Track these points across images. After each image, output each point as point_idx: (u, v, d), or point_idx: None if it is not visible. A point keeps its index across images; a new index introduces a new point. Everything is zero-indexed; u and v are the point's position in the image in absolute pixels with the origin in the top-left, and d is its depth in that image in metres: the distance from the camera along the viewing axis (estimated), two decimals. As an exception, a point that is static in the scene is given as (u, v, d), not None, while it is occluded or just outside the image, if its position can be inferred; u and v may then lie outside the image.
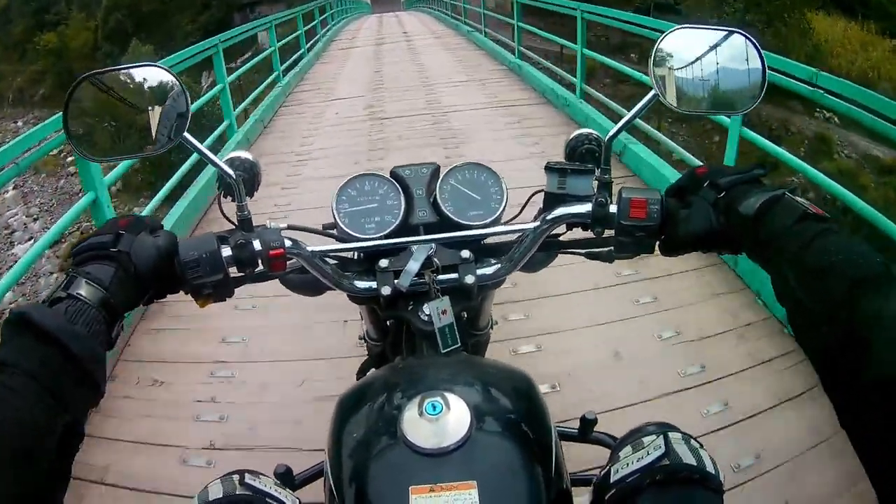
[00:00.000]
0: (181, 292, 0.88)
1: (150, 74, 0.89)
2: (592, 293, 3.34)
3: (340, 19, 20.27)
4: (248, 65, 8.24)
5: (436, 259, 0.99)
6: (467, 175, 1.11)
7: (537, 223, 0.99)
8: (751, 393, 2.61)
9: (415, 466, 0.70)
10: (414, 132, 6.68)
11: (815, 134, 17.10)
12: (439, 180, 1.10)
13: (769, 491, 2.21)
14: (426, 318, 0.97)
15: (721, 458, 0.71)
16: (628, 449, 0.75)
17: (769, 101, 15.24)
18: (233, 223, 0.95)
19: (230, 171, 0.91)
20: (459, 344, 0.96)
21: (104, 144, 0.90)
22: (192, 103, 0.89)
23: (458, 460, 0.69)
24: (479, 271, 1.00)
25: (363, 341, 1.45)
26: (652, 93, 0.90)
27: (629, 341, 2.98)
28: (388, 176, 1.11)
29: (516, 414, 0.80)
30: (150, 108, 0.88)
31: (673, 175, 4.66)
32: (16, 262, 2.72)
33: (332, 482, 0.75)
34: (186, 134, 0.87)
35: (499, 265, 1.02)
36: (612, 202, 0.94)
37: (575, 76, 7.06)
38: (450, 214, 1.06)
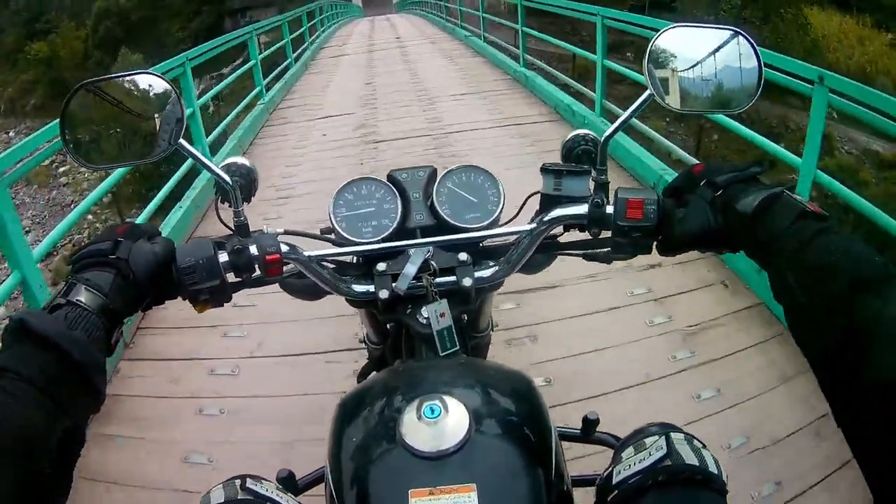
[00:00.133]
0: (179, 298, 0.89)
1: (146, 82, 0.90)
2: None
3: (331, 24, 19.76)
4: (220, 86, 7.42)
5: (433, 262, 1.00)
6: (464, 178, 1.11)
7: (534, 225, 1.00)
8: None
9: (414, 470, 0.70)
10: (413, 158, 5.68)
11: (816, 130, 17.14)
12: (436, 183, 1.11)
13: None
14: (424, 322, 0.98)
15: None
16: (630, 450, 0.75)
17: (766, 97, 15.25)
18: (230, 228, 0.96)
19: (226, 177, 0.92)
20: (458, 347, 0.97)
21: (101, 152, 0.92)
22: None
23: (458, 463, 0.70)
24: (477, 274, 1.01)
25: (363, 344, 1.46)
26: (647, 92, 0.90)
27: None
28: (384, 180, 1.12)
29: (515, 416, 0.81)
30: (145, 115, 0.90)
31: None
32: (8, 275, 2.69)
33: (332, 486, 0.76)
34: (182, 141, 0.88)
35: (496, 267, 1.02)
36: (608, 203, 0.95)
37: (583, 85, 6.75)
38: (447, 217, 1.07)
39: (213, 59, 6.39)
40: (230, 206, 0.95)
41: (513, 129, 6.35)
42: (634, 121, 4.83)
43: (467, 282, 0.99)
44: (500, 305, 3.14)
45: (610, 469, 0.74)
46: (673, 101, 0.91)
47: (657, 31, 0.92)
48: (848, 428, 0.60)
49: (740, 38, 0.90)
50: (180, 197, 4.62)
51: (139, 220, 3.59)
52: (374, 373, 1.29)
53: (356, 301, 1.04)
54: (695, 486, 0.68)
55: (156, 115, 0.89)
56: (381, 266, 1.00)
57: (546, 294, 3.29)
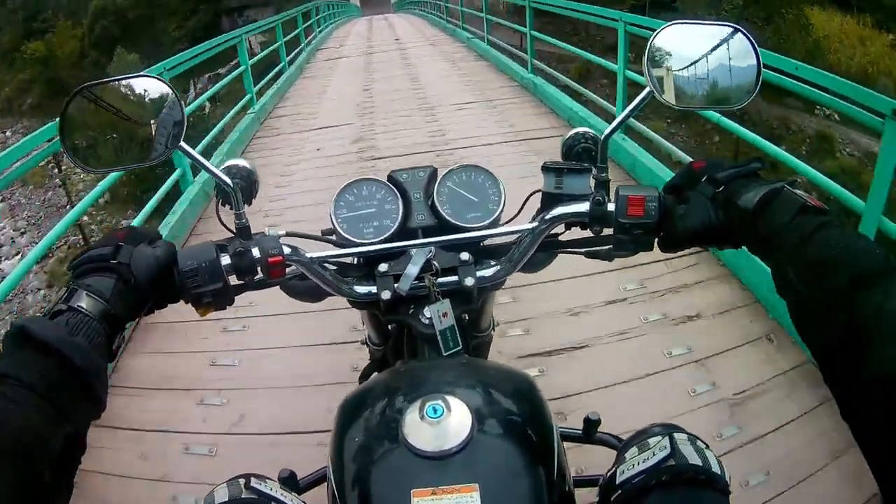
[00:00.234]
0: (181, 301, 0.89)
1: (146, 85, 0.90)
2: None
3: (328, 24, 19.41)
4: (202, 98, 7.32)
5: (435, 262, 1.00)
6: (465, 177, 1.12)
7: (535, 224, 1.00)
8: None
9: (416, 469, 0.71)
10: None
11: (816, 132, 17.15)
12: (437, 183, 1.11)
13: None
14: (427, 322, 0.99)
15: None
16: (634, 450, 0.76)
17: (764, 98, 15.28)
18: (231, 231, 0.96)
19: (227, 180, 0.93)
20: (461, 346, 0.98)
21: (101, 155, 0.92)
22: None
23: (460, 463, 0.70)
24: (479, 273, 1.01)
25: (365, 345, 1.46)
26: (647, 90, 0.91)
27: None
28: (385, 180, 1.13)
29: (517, 416, 0.82)
30: (146, 118, 0.90)
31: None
32: (2, 278, 2.68)
33: (334, 486, 0.77)
34: (182, 143, 0.89)
35: (498, 267, 1.03)
36: (609, 200, 0.95)
37: (584, 86, 6.51)
38: (448, 217, 1.07)
39: (210, 59, 6.38)
40: (231, 209, 0.95)
41: (524, 144, 5.70)
42: (635, 122, 4.92)
43: (469, 281, 1.00)
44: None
45: (613, 469, 0.75)
46: (672, 97, 0.91)
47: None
48: (853, 422, 0.60)
49: (739, 34, 0.91)
50: (176, 200, 4.63)
51: (135, 223, 3.60)
52: (375, 373, 1.30)
53: (358, 302, 1.05)
54: (698, 487, 0.69)
55: (155, 118, 0.89)
56: (383, 267, 1.01)
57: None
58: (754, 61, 0.90)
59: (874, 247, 0.68)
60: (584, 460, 1.74)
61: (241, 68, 7.53)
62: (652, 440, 0.75)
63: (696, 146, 15.70)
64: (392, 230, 1.06)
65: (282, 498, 0.73)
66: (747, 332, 2.95)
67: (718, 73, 0.91)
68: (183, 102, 0.91)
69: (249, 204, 1.03)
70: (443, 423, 0.73)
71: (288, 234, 1.01)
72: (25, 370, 0.63)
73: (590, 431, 1.08)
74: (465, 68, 10.24)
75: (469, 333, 1.19)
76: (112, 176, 3.63)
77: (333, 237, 1.10)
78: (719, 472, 0.70)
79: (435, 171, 1.15)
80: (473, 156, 5.37)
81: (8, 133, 27.58)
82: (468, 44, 12.39)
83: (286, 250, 0.92)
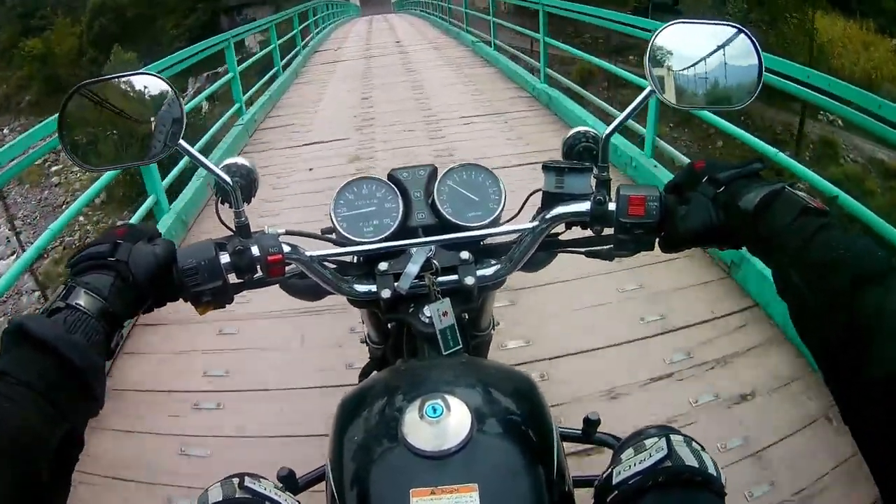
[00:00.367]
0: (180, 300, 0.90)
1: (145, 82, 0.91)
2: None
3: (327, 24, 18.98)
4: (199, 97, 7.23)
5: (435, 261, 1.01)
6: (465, 176, 1.12)
7: (536, 223, 1.01)
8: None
9: (415, 469, 0.71)
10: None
11: (820, 138, 17.16)
12: (437, 182, 1.12)
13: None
14: (427, 321, 0.99)
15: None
16: (630, 451, 0.76)
17: (770, 103, 15.30)
18: (230, 229, 0.96)
19: (227, 178, 0.93)
20: (461, 345, 0.98)
21: (100, 153, 0.92)
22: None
23: (459, 463, 0.71)
24: (479, 272, 1.02)
25: (365, 344, 1.47)
26: (648, 89, 0.92)
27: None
28: (385, 179, 1.13)
29: (517, 415, 0.82)
30: (145, 116, 0.90)
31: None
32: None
33: (333, 485, 0.77)
34: (182, 141, 0.89)
35: (498, 266, 1.03)
36: (610, 200, 0.96)
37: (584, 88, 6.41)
38: (448, 216, 1.08)
39: (208, 57, 6.35)
40: (230, 207, 0.96)
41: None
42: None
43: (469, 280, 1.00)
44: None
45: (609, 470, 0.76)
46: (673, 97, 0.92)
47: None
48: (853, 422, 0.61)
49: (741, 34, 0.91)
50: (172, 199, 4.62)
51: (133, 220, 3.60)
52: (374, 372, 1.31)
53: (358, 301, 1.05)
54: (694, 488, 0.70)
55: (154, 116, 0.90)
56: (383, 265, 1.01)
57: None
58: (756, 61, 0.90)
59: (876, 248, 0.68)
60: (584, 460, 1.74)
61: (230, 75, 7.12)
62: (648, 441, 0.76)
63: (699, 150, 15.71)
64: (392, 229, 1.07)
65: (276, 497, 0.74)
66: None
67: (720, 73, 0.91)
68: (182, 100, 0.91)
69: (249, 202, 1.03)
70: (442, 422, 0.73)
71: (288, 233, 1.01)
72: (23, 368, 0.63)
73: (589, 432, 1.08)
74: (471, 75, 9.58)
75: (469, 333, 1.19)
76: (108, 175, 3.64)
77: (333, 236, 1.11)
78: (715, 474, 0.70)
79: (435, 170, 1.15)
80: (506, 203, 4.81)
81: (6, 130, 27.61)
82: (473, 48, 11.86)
83: (286, 249, 0.93)
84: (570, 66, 15.90)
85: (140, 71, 0.94)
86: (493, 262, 1.04)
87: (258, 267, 0.91)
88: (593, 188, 1.00)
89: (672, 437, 0.75)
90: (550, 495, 0.73)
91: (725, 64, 0.91)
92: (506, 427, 0.79)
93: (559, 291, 3.25)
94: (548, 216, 1.00)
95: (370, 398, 0.88)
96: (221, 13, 33.12)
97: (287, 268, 0.94)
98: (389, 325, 1.14)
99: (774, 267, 0.76)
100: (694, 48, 0.91)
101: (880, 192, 14.96)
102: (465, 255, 1.02)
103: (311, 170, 5.70)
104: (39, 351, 0.65)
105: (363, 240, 1.06)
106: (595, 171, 1.00)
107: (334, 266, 1.07)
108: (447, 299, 0.99)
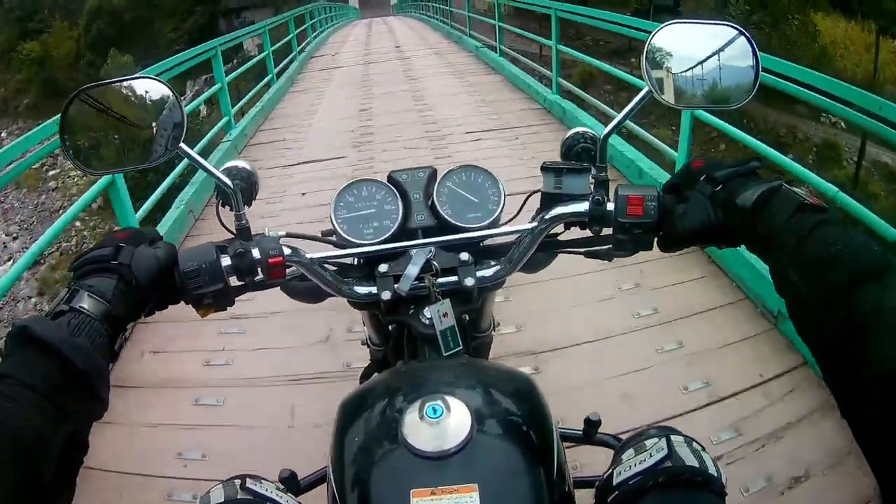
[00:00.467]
0: (181, 303, 0.90)
1: (145, 86, 0.92)
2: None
3: (325, 28, 18.63)
4: (193, 104, 6.42)
5: (435, 262, 1.02)
6: (464, 178, 1.13)
7: (535, 223, 1.02)
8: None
9: (416, 470, 0.72)
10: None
11: (823, 140, 17.17)
12: (436, 184, 1.13)
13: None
14: (427, 322, 1.00)
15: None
16: (631, 451, 0.77)
17: (773, 105, 15.31)
18: (231, 232, 0.97)
19: (227, 181, 0.94)
20: (461, 346, 0.99)
21: (101, 157, 0.93)
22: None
23: (459, 463, 0.72)
24: (479, 273, 1.03)
25: (365, 346, 1.48)
26: (646, 89, 0.93)
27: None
28: (385, 181, 1.14)
29: (517, 416, 0.83)
30: (146, 119, 0.91)
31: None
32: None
33: (334, 486, 0.78)
34: (182, 144, 0.90)
35: (498, 267, 1.04)
36: (608, 200, 0.97)
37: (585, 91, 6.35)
38: (448, 217, 1.09)
39: (205, 61, 6.30)
40: (231, 210, 0.97)
41: None
42: (640, 130, 4.87)
43: (469, 281, 1.01)
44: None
45: (610, 470, 0.76)
46: (671, 97, 0.93)
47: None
48: (852, 420, 0.61)
49: (737, 34, 0.92)
50: (169, 204, 4.63)
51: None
52: (375, 374, 1.32)
53: (358, 303, 1.06)
54: (694, 488, 0.70)
55: (155, 119, 0.91)
56: (383, 267, 1.02)
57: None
58: (752, 60, 0.91)
59: (873, 244, 0.69)
60: (585, 461, 1.74)
61: (217, 86, 6.59)
62: (649, 442, 0.77)
63: (703, 154, 15.72)
64: (392, 231, 1.07)
65: (277, 499, 0.74)
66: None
67: (717, 73, 0.92)
68: (182, 104, 0.92)
69: (249, 205, 1.04)
70: (442, 423, 0.74)
71: (288, 235, 1.02)
72: (27, 370, 0.64)
73: (590, 432, 1.09)
74: (475, 84, 9.03)
75: (469, 334, 1.20)
76: (104, 181, 3.62)
77: (333, 238, 1.12)
78: (716, 474, 0.71)
79: (435, 172, 1.16)
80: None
81: (3, 134, 27.68)
82: (477, 54, 11.38)
83: (286, 251, 0.93)
84: (570, 68, 15.89)
85: (140, 75, 0.95)
86: (492, 263, 1.05)
87: (259, 269, 0.92)
88: (592, 189, 1.01)
89: (672, 437, 0.76)
90: (550, 495, 0.74)
91: (722, 63, 0.92)
92: (506, 427, 0.80)
93: (590, 353, 2.93)
94: (547, 217, 1.01)
95: (371, 399, 0.88)
96: (220, 16, 33.18)
97: (287, 270, 0.95)
98: (390, 327, 1.15)
99: (772, 264, 0.77)
100: (691, 48, 0.92)
101: (884, 195, 14.97)
102: (464, 256, 1.03)
103: (303, 195, 5.12)
104: (43, 353, 0.66)
105: (363, 242, 1.06)
106: (593, 171, 1.01)
107: (335, 268, 1.07)
108: (447, 300, 1.00)
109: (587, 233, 1.02)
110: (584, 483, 0.87)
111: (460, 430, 0.73)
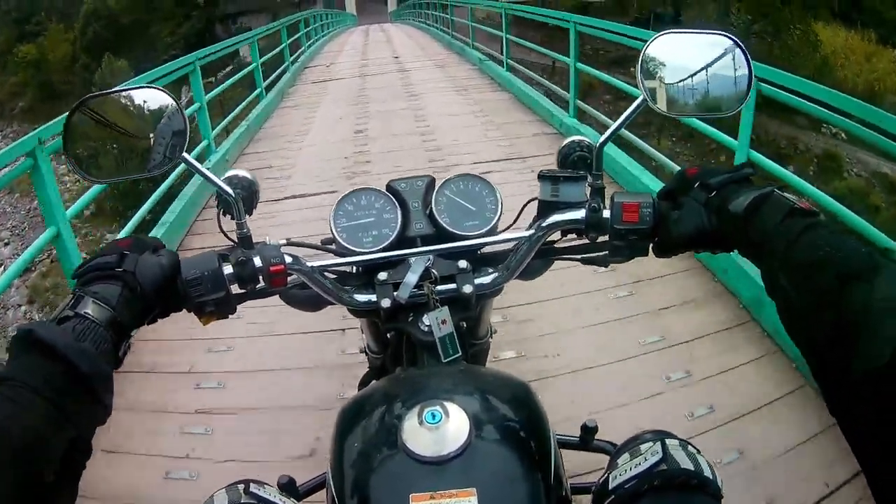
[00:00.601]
0: (184, 310, 0.92)
1: (148, 96, 0.93)
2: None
3: (321, 36, 18.02)
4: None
5: (434, 270, 1.04)
6: (462, 186, 1.15)
7: (532, 231, 1.04)
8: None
9: (415, 474, 0.73)
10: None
11: (824, 151, 17.21)
12: (434, 192, 1.15)
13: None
14: (426, 329, 1.02)
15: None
16: (626, 456, 0.79)
17: (773, 116, 15.35)
18: (232, 240, 0.99)
19: (229, 190, 0.96)
20: (460, 353, 1.01)
21: (104, 166, 0.94)
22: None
23: (458, 468, 0.73)
24: (477, 280, 1.04)
25: (364, 353, 1.49)
26: (640, 98, 0.95)
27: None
28: (384, 190, 1.16)
29: (515, 422, 0.85)
30: (148, 129, 0.93)
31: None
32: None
33: (334, 491, 0.79)
34: (185, 154, 0.92)
35: (496, 274, 1.06)
36: (605, 207, 1.00)
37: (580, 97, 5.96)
38: (446, 226, 1.10)
39: (203, 66, 6.15)
40: (232, 218, 0.99)
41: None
42: (639, 141, 4.85)
43: (468, 289, 1.03)
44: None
45: (606, 474, 0.78)
46: (665, 105, 0.95)
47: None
48: (842, 419, 0.63)
49: (731, 43, 0.95)
50: (161, 213, 4.63)
51: (121, 235, 3.61)
52: (373, 381, 1.33)
53: (358, 310, 1.08)
54: (690, 491, 0.72)
55: (158, 128, 0.92)
56: (383, 275, 1.04)
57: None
58: (746, 69, 0.94)
59: (861, 246, 0.70)
60: (582, 467, 1.76)
61: (196, 106, 5.92)
62: (644, 446, 0.78)
63: (703, 165, 15.77)
64: (391, 239, 1.09)
65: None
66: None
67: (710, 81, 0.95)
68: (185, 113, 0.94)
69: (250, 214, 1.06)
70: (441, 428, 0.75)
71: (289, 244, 1.04)
72: (31, 374, 0.65)
73: (587, 438, 1.11)
74: (481, 103, 8.30)
75: (467, 341, 1.22)
76: (97, 187, 3.63)
77: (333, 246, 1.13)
78: (711, 477, 0.72)
79: (433, 181, 1.18)
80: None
81: (-1, 136, 27.61)
82: (481, 67, 10.64)
83: (287, 259, 0.95)
84: (565, 77, 15.90)
85: (143, 84, 0.97)
86: (490, 270, 1.07)
87: (260, 277, 0.94)
88: (588, 196, 1.03)
89: (667, 441, 0.77)
90: (548, 500, 0.75)
91: (716, 73, 0.94)
92: (504, 433, 0.82)
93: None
94: (544, 224, 1.03)
95: (370, 406, 0.90)
96: (217, 21, 33.20)
97: (288, 278, 0.97)
98: (388, 335, 1.16)
99: (764, 268, 0.79)
100: (685, 57, 0.95)
101: (885, 206, 14.99)
102: (462, 263, 1.05)
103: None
104: (48, 357, 0.66)
105: (363, 250, 1.08)
106: (589, 179, 1.04)
107: (334, 276, 1.09)
108: (446, 308, 1.02)
109: (583, 239, 1.05)
110: (581, 489, 0.89)
111: (459, 435, 0.75)
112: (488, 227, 1.11)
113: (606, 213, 0.98)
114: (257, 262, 0.93)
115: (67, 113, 0.90)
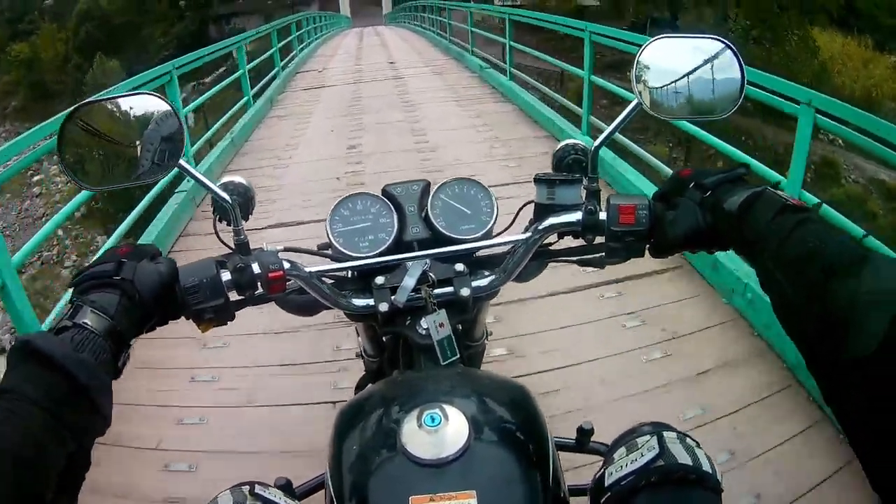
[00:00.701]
0: (182, 318, 0.92)
1: (145, 102, 0.92)
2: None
3: (315, 38, 17.81)
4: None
5: (431, 274, 1.05)
6: (457, 190, 1.16)
7: (529, 234, 1.06)
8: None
9: (414, 477, 0.74)
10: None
11: (821, 158, 17.26)
12: (430, 196, 1.15)
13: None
14: (424, 332, 1.02)
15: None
16: (622, 450, 0.79)
17: (771, 122, 15.41)
18: (228, 247, 0.99)
19: (226, 196, 0.96)
20: (458, 355, 1.02)
21: (100, 173, 0.94)
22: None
23: (458, 470, 0.74)
24: (474, 283, 1.05)
25: (360, 358, 1.50)
26: (635, 102, 0.97)
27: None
28: (379, 194, 1.16)
29: (514, 425, 0.85)
30: (144, 135, 0.92)
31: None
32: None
33: (332, 493, 0.80)
34: (182, 161, 0.92)
35: (493, 276, 1.07)
36: (601, 210, 1.01)
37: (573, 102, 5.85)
38: (442, 229, 1.11)
39: (195, 68, 6.08)
40: (229, 225, 0.99)
41: (613, 288, 3.48)
42: (635, 148, 4.85)
43: (465, 292, 1.03)
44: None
45: (602, 470, 0.78)
46: (659, 109, 0.97)
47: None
48: (835, 406, 0.64)
49: (724, 47, 0.97)
50: (150, 218, 4.59)
51: (110, 242, 3.59)
52: (370, 384, 1.33)
53: (355, 315, 1.09)
54: (688, 486, 0.72)
55: (155, 135, 0.92)
56: (380, 279, 1.05)
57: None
58: (738, 72, 0.96)
59: (849, 239, 0.72)
60: (577, 470, 1.76)
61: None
62: (640, 440, 0.79)
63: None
64: (388, 243, 1.10)
65: None
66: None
67: (704, 85, 0.96)
68: (182, 120, 0.94)
69: (246, 220, 1.05)
70: (440, 431, 0.76)
71: (286, 249, 1.04)
72: (30, 385, 0.64)
73: (583, 441, 1.11)
74: (484, 115, 7.66)
75: (462, 343, 1.22)
76: (79, 197, 3.60)
77: (329, 251, 1.13)
78: (710, 471, 0.73)
79: (428, 185, 1.19)
80: (534, 314, 3.30)
81: (-10, 136, 27.56)
82: (481, 75, 10.04)
83: (286, 265, 0.95)
84: (567, 82, 15.89)
85: (140, 91, 0.97)
86: (486, 273, 1.08)
87: (259, 284, 0.94)
88: (583, 199, 1.04)
89: (665, 434, 0.78)
90: (547, 501, 0.76)
91: (709, 76, 0.96)
92: (502, 435, 0.83)
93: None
94: (540, 227, 1.04)
95: (368, 408, 0.91)
96: (210, 22, 33.23)
97: (286, 284, 0.97)
98: (384, 339, 1.16)
99: (758, 265, 0.80)
100: (679, 61, 0.97)
101: (882, 213, 15.05)
102: (459, 267, 1.06)
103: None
104: (47, 368, 0.66)
105: (359, 255, 1.09)
106: (585, 182, 1.05)
107: (331, 281, 1.10)
108: (443, 311, 1.02)
109: (578, 241, 1.06)
110: (578, 491, 0.89)
111: (458, 438, 0.75)
112: (484, 231, 1.12)
113: (603, 216, 0.99)
114: (255, 268, 0.93)
115: (63, 119, 0.90)
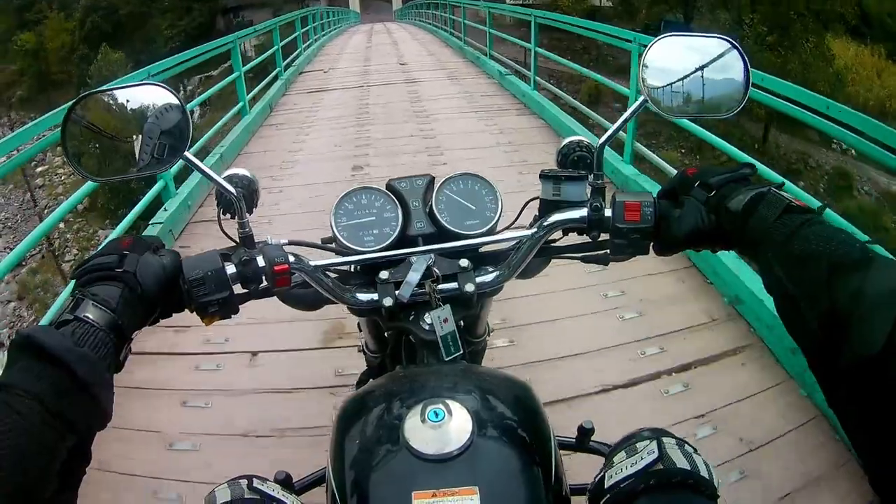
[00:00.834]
0: (186, 311, 0.92)
1: (150, 93, 0.92)
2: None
3: (320, 36, 17.12)
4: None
5: (435, 269, 1.05)
6: (462, 185, 1.17)
7: (534, 230, 1.06)
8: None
9: (417, 472, 0.74)
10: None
11: (834, 168, 17.21)
12: (435, 191, 1.16)
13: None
14: (428, 327, 1.03)
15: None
16: (622, 454, 0.80)
17: (783, 130, 15.37)
18: (233, 240, 0.99)
19: (231, 189, 0.97)
20: (461, 351, 1.03)
21: (104, 164, 0.94)
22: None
23: (461, 466, 0.74)
24: (479, 279, 1.05)
25: (362, 353, 1.51)
26: (641, 99, 0.99)
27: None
28: (384, 189, 1.17)
29: (517, 421, 0.86)
30: (149, 127, 0.92)
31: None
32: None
33: (334, 487, 0.80)
34: (187, 153, 0.92)
35: (497, 272, 1.07)
36: (606, 206, 1.02)
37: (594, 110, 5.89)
38: (446, 224, 1.12)
39: (202, 61, 5.99)
40: (233, 217, 1.00)
41: (654, 334, 3.09)
42: (650, 153, 4.83)
43: (470, 287, 1.04)
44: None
45: (601, 473, 0.79)
46: (665, 107, 0.98)
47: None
48: (837, 407, 0.65)
49: (729, 46, 0.98)
50: (152, 213, 4.56)
51: (112, 236, 3.59)
52: (372, 379, 1.33)
53: (359, 310, 1.09)
54: (686, 491, 0.73)
55: (160, 127, 0.92)
56: (384, 274, 1.05)
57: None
58: (743, 71, 0.97)
59: (852, 238, 0.72)
60: (578, 469, 1.77)
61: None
62: (640, 444, 0.80)
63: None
64: (392, 238, 1.10)
65: (283, 499, 0.78)
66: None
67: (710, 84, 0.98)
68: (188, 111, 0.93)
69: (251, 213, 1.06)
70: (444, 426, 0.77)
71: (290, 243, 1.04)
72: (31, 380, 0.64)
73: (583, 440, 1.12)
74: (508, 132, 6.81)
75: (464, 339, 1.22)
76: (91, 184, 3.60)
77: (333, 245, 1.14)
78: (707, 477, 0.74)
79: (433, 180, 1.19)
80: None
81: (-5, 126, 27.67)
82: (501, 82, 9.33)
83: (291, 259, 0.96)
84: (577, 83, 15.89)
85: (146, 82, 0.96)
86: (491, 269, 1.08)
87: (263, 277, 0.94)
88: (589, 195, 1.05)
89: (664, 439, 0.79)
90: (549, 499, 0.77)
91: (715, 74, 0.98)
92: (505, 432, 0.83)
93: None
94: (546, 223, 1.05)
95: (371, 403, 0.91)
96: (218, 14, 33.29)
97: (291, 278, 0.97)
98: (387, 334, 1.17)
99: (761, 265, 0.80)
100: (686, 60, 0.98)
101: (895, 227, 14.98)
102: (464, 262, 1.06)
103: (254, 356, 3.07)
104: (48, 363, 0.66)
105: (364, 249, 1.09)
106: (590, 178, 1.06)
107: (335, 276, 1.10)
108: (448, 306, 1.03)
109: (583, 238, 1.07)
110: (578, 491, 0.90)
111: (461, 433, 0.76)
112: (489, 226, 1.12)
113: (608, 212, 1.00)
114: (261, 261, 0.93)
115: (67, 109, 0.90)
